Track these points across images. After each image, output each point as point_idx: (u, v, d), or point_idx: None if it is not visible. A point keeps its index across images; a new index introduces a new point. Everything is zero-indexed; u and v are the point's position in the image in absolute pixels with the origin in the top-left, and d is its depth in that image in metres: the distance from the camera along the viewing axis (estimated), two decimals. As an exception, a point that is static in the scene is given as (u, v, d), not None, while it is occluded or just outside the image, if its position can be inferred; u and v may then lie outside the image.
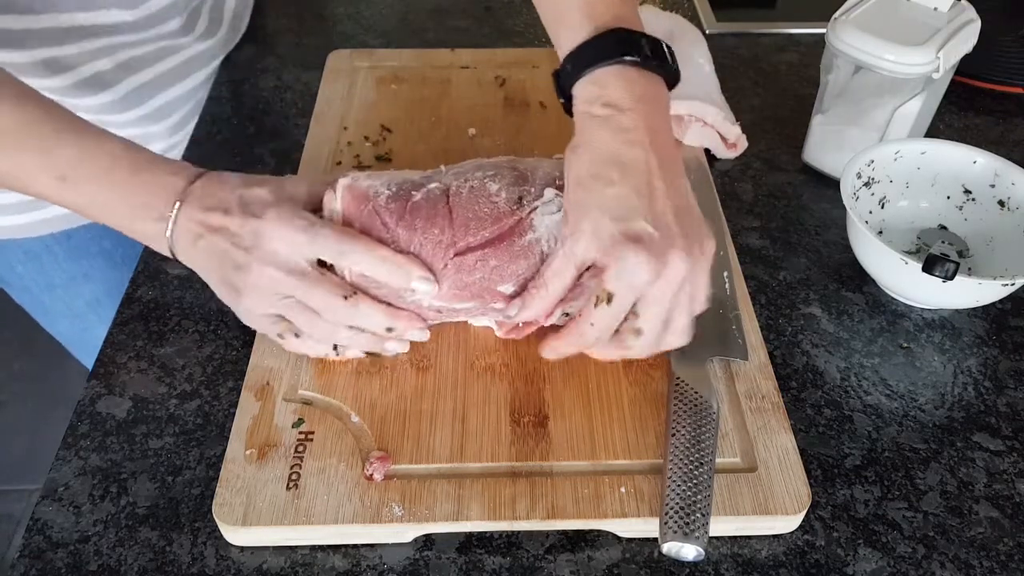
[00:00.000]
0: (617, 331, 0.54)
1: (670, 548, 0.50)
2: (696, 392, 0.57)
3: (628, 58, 0.54)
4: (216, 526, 0.53)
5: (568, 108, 0.58)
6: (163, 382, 0.63)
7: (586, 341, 0.54)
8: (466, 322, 0.63)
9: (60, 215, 0.86)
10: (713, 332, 0.62)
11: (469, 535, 0.54)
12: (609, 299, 0.51)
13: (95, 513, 0.55)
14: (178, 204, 0.55)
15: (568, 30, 0.56)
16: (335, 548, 0.54)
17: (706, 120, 0.80)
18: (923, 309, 0.69)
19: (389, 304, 0.58)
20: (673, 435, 0.55)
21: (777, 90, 0.94)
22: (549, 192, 0.56)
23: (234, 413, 0.58)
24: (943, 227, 0.75)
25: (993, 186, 0.72)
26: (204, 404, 0.61)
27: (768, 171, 0.83)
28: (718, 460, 0.55)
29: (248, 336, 0.65)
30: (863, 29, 0.73)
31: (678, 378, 0.58)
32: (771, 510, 0.53)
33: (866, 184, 0.73)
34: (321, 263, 0.56)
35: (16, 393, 1.86)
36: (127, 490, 0.56)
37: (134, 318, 0.68)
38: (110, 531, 0.54)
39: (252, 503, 0.53)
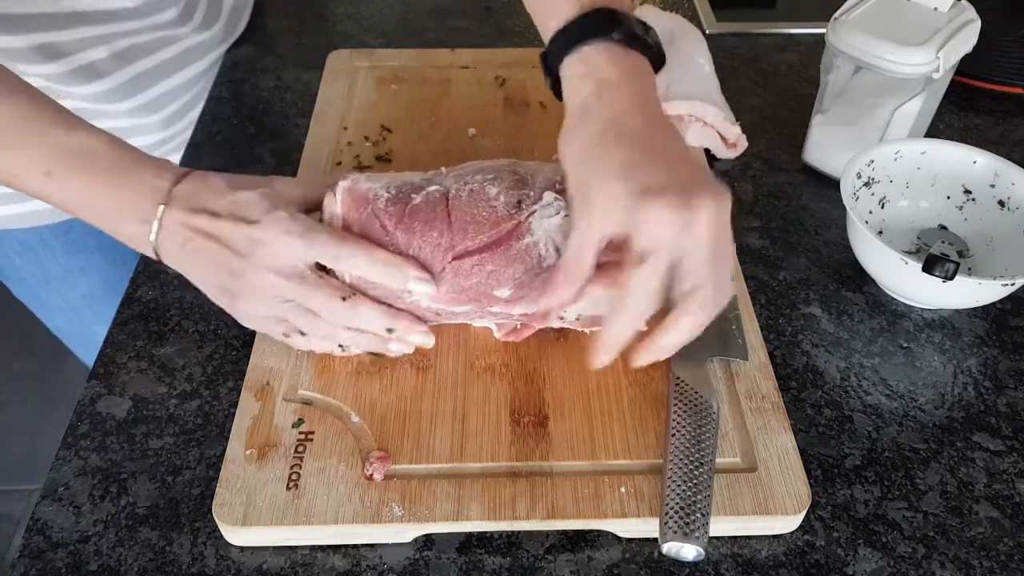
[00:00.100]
0: (667, 310, 0.50)
1: (670, 548, 0.50)
2: (696, 392, 0.57)
3: (615, 35, 0.53)
4: (216, 526, 0.53)
5: (556, 90, 0.57)
6: (163, 382, 0.63)
7: (632, 316, 0.48)
8: (466, 322, 0.63)
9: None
10: (713, 332, 0.62)
11: (469, 535, 0.54)
12: (642, 259, 0.47)
13: (95, 513, 0.55)
14: (162, 207, 0.54)
15: (554, 11, 0.55)
16: (335, 548, 0.54)
17: (706, 120, 0.79)
18: (923, 309, 0.69)
19: (389, 305, 0.58)
20: (673, 435, 0.55)
21: (777, 90, 0.94)
22: (548, 195, 0.56)
23: (234, 413, 0.58)
24: (943, 227, 0.75)
25: (993, 186, 0.72)
26: (204, 404, 0.61)
27: (768, 171, 0.83)
28: (718, 460, 0.55)
29: (248, 336, 0.65)
30: (863, 29, 0.73)
31: (678, 378, 0.58)
32: (771, 510, 0.53)
33: (866, 184, 0.73)
34: (319, 265, 0.56)
35: (16, 393, 1.86)
36: (127, 490, 0.56)
37: (134, 318, 0.68)
38: (110, 531, 0.54)
39: (252, 503, 0.53)
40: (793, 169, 0.83)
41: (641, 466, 0.56)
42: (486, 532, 0.54)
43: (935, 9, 0.75)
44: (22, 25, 0.73)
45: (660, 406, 0.59)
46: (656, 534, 0.52)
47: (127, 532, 0.54)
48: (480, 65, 0.92)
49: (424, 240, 0.56)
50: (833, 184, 0.76)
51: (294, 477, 0.54)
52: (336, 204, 0.58)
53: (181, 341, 0.66)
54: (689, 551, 0.50)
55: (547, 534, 0.54)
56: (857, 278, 0.72)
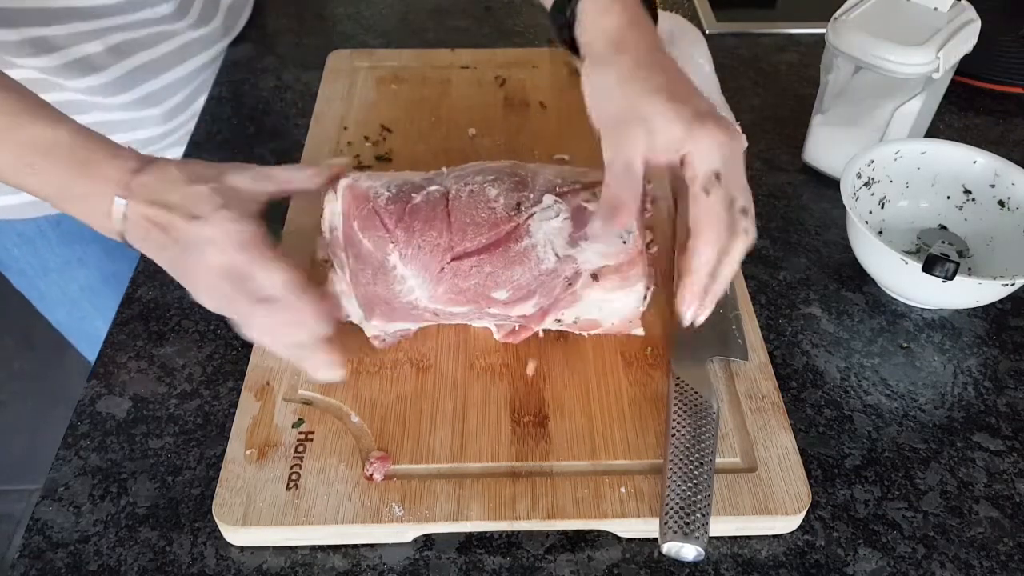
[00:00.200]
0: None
1: (670, 548, 0.50)
2: (696, 392, 0.57)
3: None
4: (216, 526, 0.53)
5: (566, 35, 0.59)
6: (163, 382, 0.63)
7: (716, 238, 0.51)
8: (465, 323, 0.63)
9: None
10: (713, 332, 0.62)
11: (469, 535, 0.54)
12: (717, 176, 0.50)
13: (95, 513, 0.55)
14: (124, 201, 0.54)
15: None
16: (335, 548, 0.54)
17: (706, 120, 0.79)
18: (923, 309, 0.69)
19: (388, 305, 0.58)
20: (673, 435, 0.55)
21: (777, 90, 0.94)
22: (548, 198, 0.56)
23: (234, 413, 0.58)
24: (943, 227, 0.75)
25: (993, 186, 0.72)
26: (204, 404, 0.61)
27: (768, 171, 0.83)
28: (718, 460, 0.55)
29: (248, 336, 0.65)
30: (863, 29, 0.73)
31: (678, 378, 0.58)
32: (771, 510, 0.53)
33: (866, 184, 0.73)
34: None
35: (16, 392, 1.86)
36: (127, 490, 0.56)
37: (134, 318, 0.68)
38: (110, 531, 0.54)
39: (252, 503, 0.53)
40: (793, 169, 0.83)
41: (641, 466, 0.56)
42: (486, 532, 0.54)
43: (935, 9, 0.75)
44: (12, 19, 0.73)
45: (660, 406, 0.59)
46: (656, 534, 0.52)
47: (127, 532, 0.54)
48: (480, 65, 0.92)
49: (424, 239, 0.56)
50: (833, 184, 0.76)
51: (294, 477, 0.54)
52: (337, 201, 0.58)
53: (181, 341, 0.66)
54: (689, 551, 0.50)
55: (547, 534, 0.54)
56: (857, 278, 0.72)
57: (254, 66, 0.96)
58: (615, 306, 0.57)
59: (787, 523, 0.54)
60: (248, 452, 0.56)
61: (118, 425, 0.60)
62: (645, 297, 0.58)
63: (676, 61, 0.56)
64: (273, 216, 0.73)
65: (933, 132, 0.86)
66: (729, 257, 0.52)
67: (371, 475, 0.54)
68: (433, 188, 0.58)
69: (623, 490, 0.54)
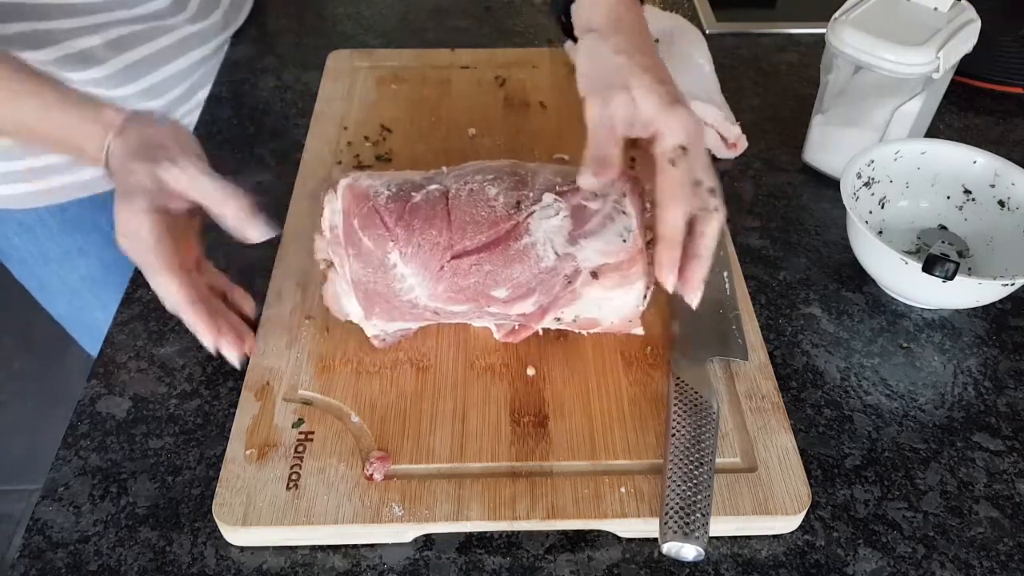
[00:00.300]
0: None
1: (670, 548, 0.50)
2: (696, 392, 0.57)
3: None
4: (216, 526, 0.53)
5: (561, 17, 0.63)
6: (163, 382, 0.63)
7: (683, 203, 0.54)
8: (465, 322, 0.63)
9: (55, 187, 0.88)
10: (713, 332, 0.62)
11: (469, 535, 0.54)
12: (684, 150, 0.54)
13: (95, 513, 0.55)
14: (107, 168, 0.58)
15: None
16: (335, 548, 0.54)
17: (706, 120, 0.80)
18: (923, 309, 0.69)
19: (388, 304, 0.58)
20: (673, 435, 0.55)
21: (777, 90, 0.94)
22: (548, 197, 0.56)
23: (234, 413, 0.58)
24: (943, 227, 0.75)
25: (993, 186, 0.72)
26: (204, 404, 0.61)
27: (768, 171, 0.83)
28: (718, 460, 0.55)
29: (248, 336, 0.65)
30: (863, 29, 0.73)
31: (678, 378, 0.58)
32: (771, 510, 0.53)
33: (866, 184, 0.73)
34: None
35: (16, 392, 1.86)
36: (127, 490, 0.56)
37: (134, 318, 0.68)
38: (110, 531, 0.54)
39: (252, 503, 0.53)
40: (793, 169, 0.83)
41: (641, 466, 0.55)
42: (486, 532, 0.54)
43: (935, 9, 0.75)
44: (10, 14, 0.74)
45: (660, 406, 0.59)
46: (656, 534, 0.52)
47: (127, 532, 0.54)
48: (480, 65, 0.92)
49: (424, 238, 0.56)
50: (833, 184, 0.76)
51: (294, 477, 0.54)
52: (337, 200, 0.58)
53: (181, 341, 0.66)
54: (689, 551, 0.50)
55: (547, 534, 0.54)
56: (857, 278, 0.72)
57: (254, 66, 0.96)
58: (615, 304, 0.57)
59: (787, 523, 0.54)
60: (248, 452, 0.56)
61: (118, 425, 0.60)
62: (645, 296, 0.58)
63: (659, 52, 0.60)
64: (273, 215, 0.73)
65: (933, 132, 0.86)
66: (705, 236, 0.55)
67: (371, 475, 0.54)
68: (433, 187, 0.58)
69: (623, 490, 0.54)
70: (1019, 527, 0.56)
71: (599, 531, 0.54)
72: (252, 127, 0.87)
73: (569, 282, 0.56)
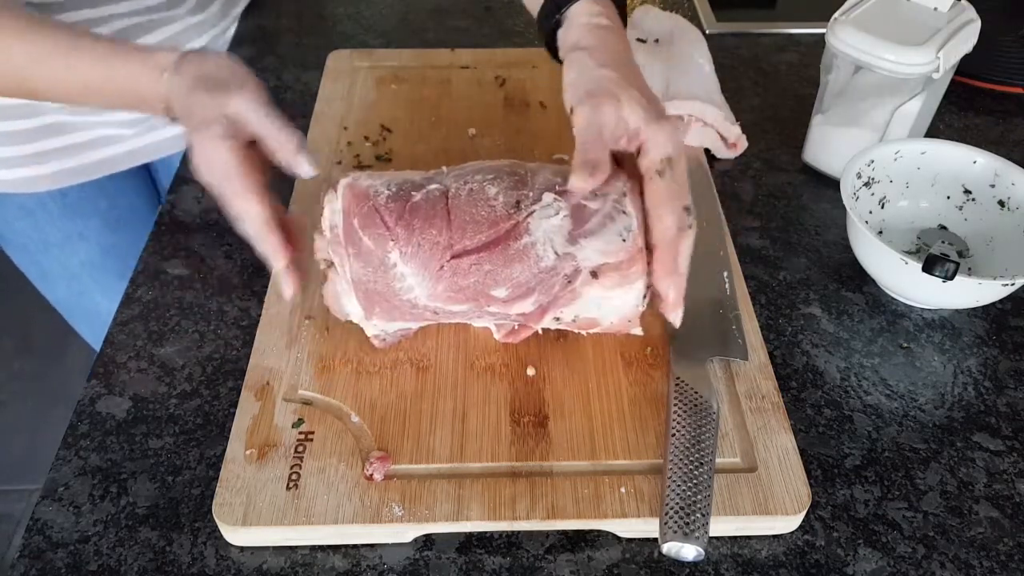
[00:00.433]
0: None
1: (670, 548, 0.50)
2: (696, 392, 0.57)
3: None
4: (216, 526, 0.53)
5: (550, 35, 0.65)
6: (163, 382, 0.63)
7: (677, 208, 0.56)
8: (465, 322, 0.63)
9: (55, 172, 0.89)
10: (713, 332, 0.62)
11: (469, 535, 0.54)
12: (670, 161, 0.56)
13: (95, 513, 0.55)
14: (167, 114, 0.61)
15: None
16: (335, 548, 0.54)
17: (706, 120, 0.80)
18: (923, 309, 0.69)
19: (388, 303, 0.58)
20: (673, 435, 0.55)
21: (777, 90, 0.94)
22: (548, 196, 0.56)
23: (234, 413, 0.58)
24: (943, 227, 0.75)
25: (993, 186, 0.72)
26: (204, 404, 0.61)
27: (768, 171, 0.83)
28: (718, 460, 0.55)
29: (248, 336, 0.65)
30: (863, 29, 0.73)
31: (678, 378, 0.58)
32: (771, 510, 0.53)
33: (866, 184, 0.73)
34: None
35: (16, 392, 1.86)
36: (127, 490, 0.56)
37: (134, 318, 0.68)
38: (110, 531, 0.54)
39: (252, 503, 0.53)
40: (793, 169, 0.83)
41: (641, 466, 0.55)
42: (486, 532, 0.54)
43: (935, 9, 0.75)
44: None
45: (660, 406, 0.59)
46: (656, 534, 0.52)
47: (127, 532, 0.54)
48: (480, 65, 0.92)
49: (424, 237, 0.56)
50: (833, 184, 0.76)
51: (294, 477, 0.54)
52: (337, 199, 0.58)
53: (181, 341, 0.66)
54: (689, 551, 0.50)
55: (547, 534, 0.54)
56: (857, 278, 0.72)
57: (254, 66, 0.95)
58: (614, 304, 0.57)
59: (787, 523, 0.54)
60: (248, 452, 0.56)
61: (118, 425, 0.60)
62: (644, 296, 0.58)
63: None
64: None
65: (933, 132, 0.86)
66: (681, 254, 0.56)
67: (371, 475, 0.54)
68: (433, 187, 0.58)
69: (623, 490, 0.54)
70: (1019, 527, 0.56)
71: (599, 531, 0.54)
72: (252, 127, 0.87)
73: (569, 282, 0.56)
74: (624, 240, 0.56)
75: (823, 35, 0.76)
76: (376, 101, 0.87)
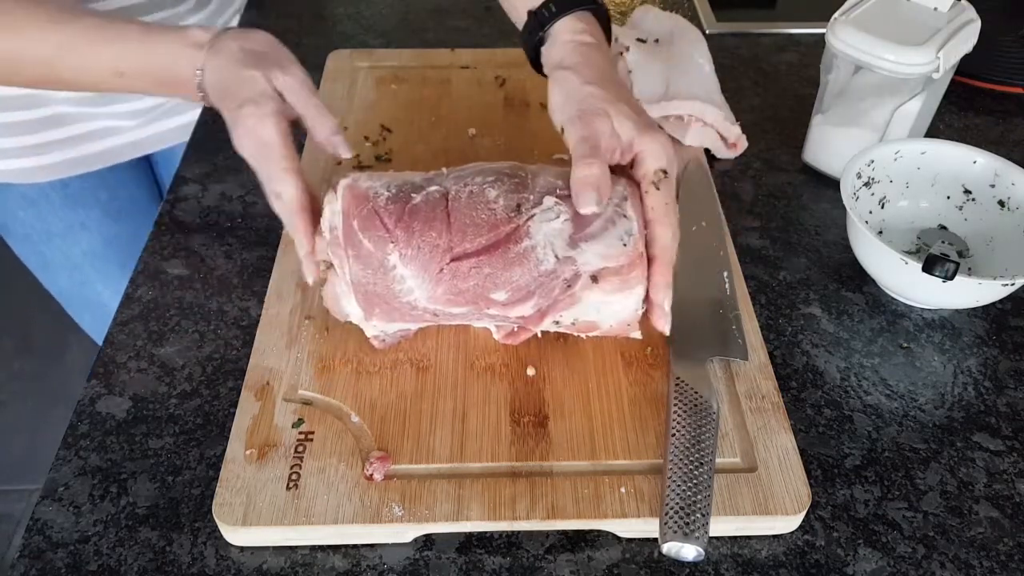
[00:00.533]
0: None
1: (670, 548, 0.50)
2: (696, 392, 0.57)
3: (598, 6, 0.66)
4: (216, 526, 0.53)
5: (535, 50, 0.66)
6: (163, 382, 0.63)
7: (674, 221, 0.57)
8: (465, 323, 0.63)
9: (56, 163, 0.90)
10: (713, 332, 0.62)
11: (469, 535, 0.54)
12: (665, 173, 0.57)
13: (95, 513, 0.55)
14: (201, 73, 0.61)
15: None
16: (335, 548, 0.54)
17: (706, 120, 0.80)
18: (923, 309, 0.69)
19: (388, 305, 0.58)
20: (673, 435, 0.55)
21: (777, 90, 0.94)
22: (549, 200, 0.56)
23: (234, 413, 0.58)
24: (943, 227, 0.75)
25: (993, 186, 0.72)
26: (204, 404, 0.61)
27: (768, 171, 0.83)
28: (718, 460, 0.55)
29: (248, 336, 0.65)
30: (863, 29, 0.73)
31: (678, 378, 0.58)
32: (771, 510, 0.53)
33: (866, 184, 0.73)
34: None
35: (16, 393, 1.86)
36: (127, 490, 0.56)
37: (134, 318, 0.68)
38: (110, 531, 0.54)
39: (252, 503, 0.53)
40: (793, 169, 0.83)
41: (641, 466, 0.55)
42: (486, 532, 0.54)
43: (935, 9, 0.75)
44: None
45: (660, 406, 0.59)
46: (656, 534, 0.52)
47: (127, 532, 0.54)
48: (480, 65, 0.92)
49: (423, 239, 0.56)
50: (833, 184, 0.76)
51: (294, 477, 0.54)
52: (337, 201, 0.58)
53: (181, 341, 0.66)
54: (689, 551, 0.50)
55: (547, 534, 0.54)
56: (857, 278, 0.72)
57: (254, 66, 0.96)
58: (614, 308, 0.57)
59: (787, 523, 0.54)
60: (248, 452, 0.56)
61: (118, 425, 0.60)
62: (644, 300, 0.58)
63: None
64: (272, 215, 0.73)
65: (933, 132, 0.86)
66: (672, 264, 0.57)
67: (371, 475, 0.54)
68: (433, 188, 0.58)
69: (623, 490, 0.54)
70: (1019, 527, 0.56)
71: (599, 531, 0.54)
72: (252, 127, 0.87)
73: (569, 286, 0.56)
74: (625, 244, 0.56)
75: (823, 35, 0.76)
76: (376, 101, 0.87)
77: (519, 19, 0.68)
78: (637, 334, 0.60)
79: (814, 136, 0.82)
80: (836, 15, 0.76)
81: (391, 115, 0.85)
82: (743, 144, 0.83)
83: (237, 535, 0.53)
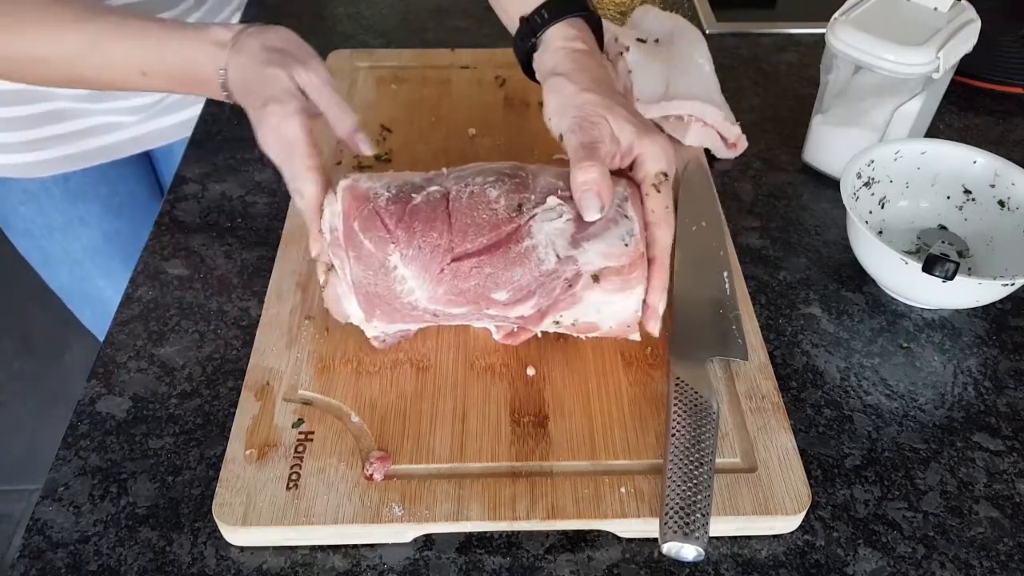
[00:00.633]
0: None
1: (670, 548, 0.50)
2: (696, 392, 0.57)
3: (590, 10, 0.66)
4: (216, 526, 0.53)
5: (527, 55, 0.66)
6: (163, 382, 0.63)
7: (671, 224, 0.57)
8: (465, 324, 0.63)
9: (58, 158, 0.90)
10: (713, 332, 0.62)
11: (469, 535, 0.54)
12: (665, 176, 0.57)
13: (95, 513, 0.55)
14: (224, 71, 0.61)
15: None
16: (335, 548, 0.54)
17: (706, 120, 0.80)
18: (923, 309, 0.69)
19: (389, 306, 0.58)
20: (673, 435, 0.55)
21: (777, 90, 0.94)
22: (552, 200, 0.56)
23: (234, 413, 0.58)
24: (943, 227, 0.75)
25: (993, 186, 0.72)
26: (204, 404, 0.61)
27: (768, 171, 0.83)
28: (718, 460, 0.55)
29: (248, 336, 0.65)
30: (863, 29, 0.73)
31: (678, 378, 0.58)
32: (771, 510, 0.53)
33: (866, 184, 0.73)
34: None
35: (16, 393, 1.86)
36: (127, 490, 0.56)
37: (134, 318, 0.68)
38: (110, 531, 0.54)
39: (252, 503, 0.53)
40: (793, 169, 0.83)
41: (641, 466, 0.55)
42: (486, 532, 0.54)
43: (935, 9, 0.75)
44: None
45: (660, 406, 0.59)
46: (656, 534, 0.52)
47: (127, 532, 0.54)
48: (480, 65, 0.92)
49: (425, 240, 0.56)
50: (833, 184, 0.76)
51: (294, 477, 0.54)
52: (337, 202, 0.58)
53: (181, 341, 0.66)
54: (689, 551, 0.50)
55: (547, 534, 0.54)
56: (857, 278, 0.72)
57: (254, 66, 0.96)
58: (614, 309, 0.57)
59: (787, 523, 0.54)
60: (248, 452, 0.56)
61: (118, 425, 0.60)
62: (644, 301, 0.58)
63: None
64: (273, 215, 0.73)
65: (933, 132, 0.86)
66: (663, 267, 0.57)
67: (371, 475, 0.54)
68: (433, 189, 0.58)
69: (623, 490, 0.54)
70: (1019, 527, 0.56)
71: (599, 531, 0.54)
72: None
73: (570, 285, 0.56)
74: (626, 244, 0.56)
75: (823, 35, 0.76)
76: (376, 101, 0.87)
77: (511, 24, 0.68)
78: (636, 336, 0.60)
79: (814, 136, 0.82)
80: (836, 15, 0.76)
81: (391, 115, 0.85)
82: (743, 144, 0.83)
83: (237, 535, 0.53)
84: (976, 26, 0.75)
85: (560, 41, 0.63)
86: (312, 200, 0.58)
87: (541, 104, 0.85)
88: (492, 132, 0.83)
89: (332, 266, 0.59)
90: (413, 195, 0.57)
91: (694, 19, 1.05)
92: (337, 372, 0.61)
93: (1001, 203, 0.71)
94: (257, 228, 0.75)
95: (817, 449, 0.60)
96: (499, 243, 0.56)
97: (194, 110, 0.94)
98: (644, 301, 0.57)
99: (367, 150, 0.62)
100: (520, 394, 0.60)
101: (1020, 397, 0.63)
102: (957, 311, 0.69)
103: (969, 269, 0.71)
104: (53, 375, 1.87)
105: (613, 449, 0.56)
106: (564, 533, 0.54)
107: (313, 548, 0.54)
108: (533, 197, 0.57)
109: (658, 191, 0.57)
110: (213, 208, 0.77)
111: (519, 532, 0.54)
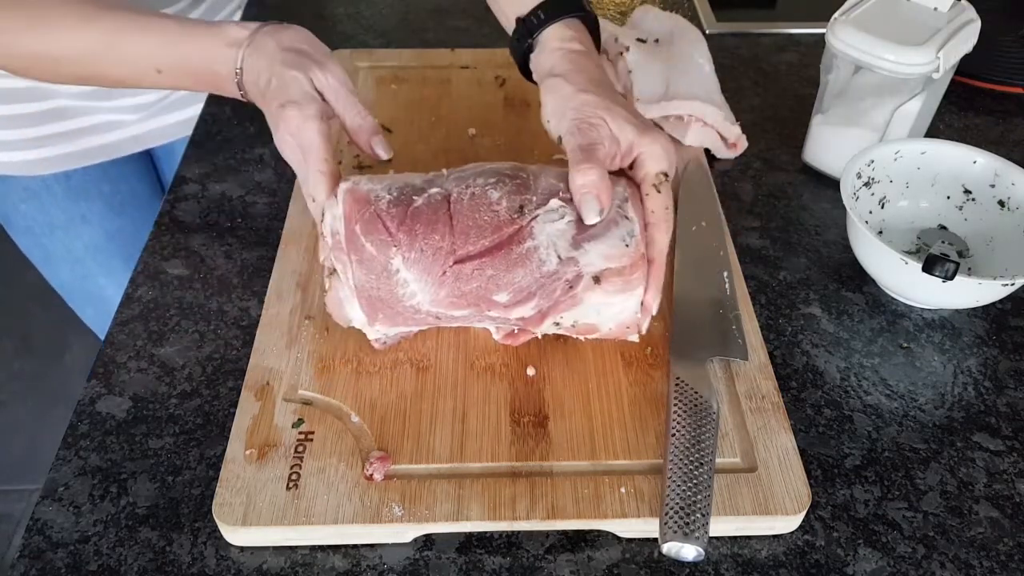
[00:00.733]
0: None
1: (670, 548, 0.50)
2: (696, 392, 0.57)
3: (587, 11, 0.66)
4: (216, 526, 0.53)
5: (523, 56, 0.66)
6: (163, 382, 0.63)
7: (670, 223, 0.57)
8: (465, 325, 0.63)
9: (59, 155, 0.90)
10: (713, 332, 0.62)
11: (469, 535, 0.54)
12: (665, 176, 0.58)
13: (95, 513, 0.55)
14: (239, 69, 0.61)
15: None
16: (335, 548, 0.54)
17: (706, 120, 0.80)
18: (923, 309, 0.69)
19: (391, 309, 0.58)
20: (673, 435, 0.55)
21: (777, 90, 0.94)
22: (554, 201, 0.56)
23: (234, 413, 0.58)
24: (943, 227, 0.75)
25: (993, 186, 0.72)
26: (204, 404, 0.61)
27: (768, 171, 0.83)
28: (718, 460, 0.55)
29: (248, 336, 0.65)
30: (863, 29, 0.73)
31: (678, 378, 0.58)
32: (771, 510, 0.53)
33: (866, 184, 0.73)
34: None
35: (16, 393, 1.86)
36: (127, 490, 0.56)
37: (134, 318, 0.68)
38: (110, 531, 0.54)
39: (252, 503, 0.53)
40: (793, 169, 0.83)
41: (641, 466, 0.55)
42: (486, 532, 0.54)
43: (935, 9, 0.75)
44: None
45: (660, 406, 0.59)
46: (656, 534, 0.52)
47: (127, 532, 0.54)
48: (480, 65, 0.92)
49: (426, 242, 0.56)
50: (833, 184, 0.76)
51: (294, 477, 0.54)
52: (337, 205, 0.58)
53: (181, 341, 0.66)
54: (689, 551, 0.50)
55: (547, 534, 0.54)
56: (857, 278, 0.72)
57: (254, 66, 0.96)
58: (614, 310, 0.57)
59: (787, 523, 0.54)
60: (248, 452, 0.56)
61: (118, 425, 0.60)
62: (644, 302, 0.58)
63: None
64: (273, 215, 0.73)
65: (933, 132, 0.86)
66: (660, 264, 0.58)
67: (371, 475, 0.54)
68: (434, 191, 0.58)
69: (623, 490, 0.54)
70: (1019, 527, 0.56)
71: (599, 531, 0.54)
72: (252, 127, 0.87)
73: (571, 287, 0.56)
74: (627, 245, 0.56)
75: (823, 35, 0.76)
76: (376, 101, 0.87)
77: (508, 25, 0.68)
78: (635, 338, 0.60)
79: (814, 136, 0.82)
80: (836, 15, 0.76)
81: (391, 115, 0.85)
82: (743, 144, 0.83)
83: (237, 535, 0.53)
84: (976, 26, 0.75)
85: (556, 42, 0.63)
86: (323, 205, 0.58)
87: (541, 104, 0.86)
88: (492, 132, 0.83)
89: (334, 270, 0.59)
90: (414, 197, 0.57)
91: (694, 19, 1.05)
92: (337, 372, 0.61)
93: (1001, 203, 0.71)
94: (257, 228, 0.75)
95: (817, 449, 0.60)
96: (500, 244, 0.56)
97: (195, 109, 0.94)
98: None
99: (384, 154, 0.62)
100: (520, 394, 0.60)
101: (1020, 397, 0.63)
102: (957, 311, 0.69)
103: (969, 269, 0.71)
104: (53, 375, 1.87)
105: (613, 449, 0.56)
106: (564, 533, 0.54)
107: (313, 548, 0.54)
108: (534, 198, 0.57)
109: (658, 191, 0.57)
110: (213, 208, 0.77)
111: (519, 532, 0.54)
